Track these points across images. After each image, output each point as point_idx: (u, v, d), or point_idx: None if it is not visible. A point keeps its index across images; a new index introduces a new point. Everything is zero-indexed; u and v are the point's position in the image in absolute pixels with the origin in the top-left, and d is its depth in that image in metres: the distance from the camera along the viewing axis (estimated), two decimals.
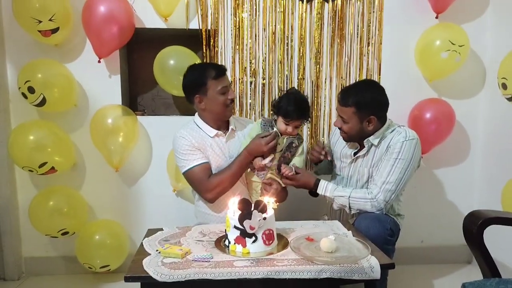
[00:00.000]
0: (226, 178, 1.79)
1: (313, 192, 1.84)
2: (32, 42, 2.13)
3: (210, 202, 1.84)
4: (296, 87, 2.27)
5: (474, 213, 1.37)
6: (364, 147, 1.80)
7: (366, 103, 1.70)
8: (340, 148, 1.93)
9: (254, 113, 2.31)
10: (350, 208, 1.75)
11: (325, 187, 1.78)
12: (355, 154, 1.84)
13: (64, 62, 2.17)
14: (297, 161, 1.84)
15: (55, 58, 2.15)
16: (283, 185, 1.85)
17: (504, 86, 1.89)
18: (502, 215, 1.40)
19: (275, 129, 1.78)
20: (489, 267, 1.32)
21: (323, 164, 2.06)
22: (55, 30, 2.00)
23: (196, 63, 1.99)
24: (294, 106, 1.75)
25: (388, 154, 1.72)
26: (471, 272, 2.33)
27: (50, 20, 1.96)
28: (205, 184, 1.79)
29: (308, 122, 1.91)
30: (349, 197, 1.73)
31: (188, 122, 1.91)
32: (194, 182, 1.82)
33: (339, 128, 1.81)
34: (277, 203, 1.77)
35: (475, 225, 1.30)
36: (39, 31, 1.98)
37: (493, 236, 1.89)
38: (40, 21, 1.95)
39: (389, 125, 1.79)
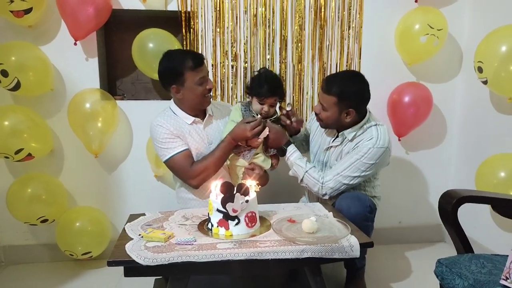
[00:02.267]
0: (210, 164, 1.78)
1: (282, 152, 1.87)
2: (4, 23, 2.04)
3: (194, 188, 1.84)
4: (275, 70, 2.27)
5: (449, 192, 1.42)
6: (339, 137, 1.83)
7: (348, 96, 1.71)
8: (320, 135, 1.95)
9: (236, 97, 2.30)
10: (302, 180, 1.81)
11: (292, 151, 1.84)
12: (331, 142, 1.86)
13: (39, 44, 2.09)
14: None
15: (29, 40, 2.06)
16: (266, 168, 1.88)
17: (480, 70, 1.93)
18: (475, 193, 1.45)
19: (259, 116, 1.79)
20: (463, 244, 1.37)
21: (297, 142, 2.07)
22: (28, 11, 1.92)
23: (173, 49, 1.90)
24: (265, 84, 1.79)
25: (354, 151, 1.74)
26: (446, 250, 2.42)
27: (22, 0, 1.88)
28: (188, 172, 1.78)
29: (282, 101, 1.93)
30: (306, 171, 1.79)
31: (164, 110, 1.88)
32: (177, 170, 1.81)
33: (316, 114, 1.82)
34: (259, 187, 1.83)
35: (450, 204, 1.35)
36: (11, 11, 1.90)
37: (467, 214, 1.97)
38: (11, 1, 1.87)
39: (367, 120, 1.79)
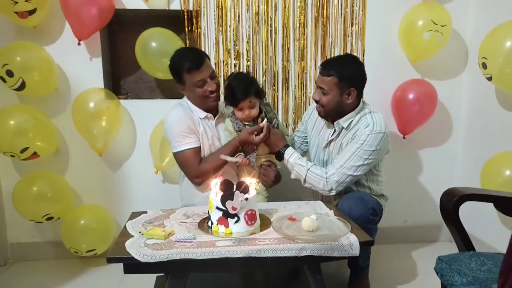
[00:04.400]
0: (217, 166, 1.80)
1: (280, 156, 1.83)
2: (9, 24, 2.07)
3: (197, 185, 1.85)
4: (277, 68, 2.26)
5: (450, 190, 1.40)
6: (335, 131, 1.81)
7: (349, 74, 1.71)
8: (317, 134, 1.93)
9: None
10: (305, 180, 1.76)
11: (291, 153, 1.80)
12: (330, 137, 1.84)
13: (43, 44, 2.12)
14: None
15: (34, 40, 2.09)
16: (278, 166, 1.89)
17: (484, 66, 1.90)
18: (476, 191, 1.43)
19: (265, 121, 1.77)
20: (464, 242, 1.36)
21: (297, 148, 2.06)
22: (32, 12, 1.95)
23: (182, 48, 1.94)
24: (233, 91, 1.74)
25: (353, 141, 1.73)
26: (451, 250, 2.38)
27: (26, 1, 1.90)
28: (195, 170, 1.80)
29: (261, 98, 1.82)
30: (308, 169, 1.74)
31: (179, 102, 1.90)
32: (184, 164, 1.83)
33: (316, 102, 1.79)
34: (270, 185, 1.85)
35: (451, 202, 1.34)
36: (16, 12, 1.92)
37: (472, 212, 1.95)
38: (16, 2, 1.89)
39: (361, 108, 1.78)
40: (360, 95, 1.78)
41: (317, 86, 1.78)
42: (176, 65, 1.79)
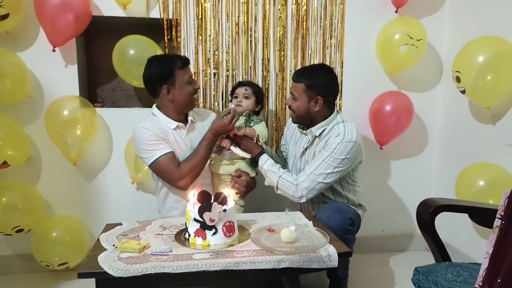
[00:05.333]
0: (197, 163, 1.80)
1: (255, 162, 1.89)
2: None
3: (183, 190, 1.81)
4: (258, 78, 2.29)
5: (426, 201, 1.42)
6: (308, 136, 1.86)
7: (316, 83, 1.78)
8: (294, 144, 1.97)
9: (218, 105, 2.29)
10: (277, 187, 1.81)
11: (265, 160, 1.84)
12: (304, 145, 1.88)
13: (16, 50, 2.05)
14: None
15: (6, 46, 2.02)
16: (252, 175, 1.93)
17: (458, 80, 1.96)
18: (451, 202, 1.46)
19: (231, 105, 1.89)
20: (440, 252, 1.37)
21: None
22: (4, 16, 1.89)
23: (157, 54, 1.96)
24: (237, 83, 2.05)
25: (324, 149, 1.77)
26: (429, 259, 2.42)
27: None
28: (176, 173, 1.77)
29: (258, 98, 1.99)
30: (279, 176, 1.79)
31: (146, 115, 1.88)
32: (163, 172, 1.80)
33: (289, 108, 1.87)
34: (242, 195, 1.87)
35: (427, 213, 1.35)
36: None
37: (448, 222, 1.98)
38: None
39: (334, 117, 1.83)
40: (330, 104, 1.83)
41: (290, 92, 1.86)
42: (167, 65, 1.79)
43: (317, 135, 1.81)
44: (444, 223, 1.45)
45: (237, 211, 1.79)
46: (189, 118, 1.91)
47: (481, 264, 1.01)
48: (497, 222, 0.95)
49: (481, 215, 1.40)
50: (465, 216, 2.08)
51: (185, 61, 1.84)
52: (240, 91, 1.95)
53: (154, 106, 1.89)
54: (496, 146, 2.01)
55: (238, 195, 1.86)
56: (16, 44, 2.06)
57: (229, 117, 1.79)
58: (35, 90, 2.11)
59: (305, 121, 1.85)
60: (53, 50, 2.02)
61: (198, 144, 1.84)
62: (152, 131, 1.78)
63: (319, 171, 1.72)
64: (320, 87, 1.77)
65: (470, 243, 2.17)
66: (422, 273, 1.26)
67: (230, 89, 2.21)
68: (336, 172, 1.73)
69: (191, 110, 1.92)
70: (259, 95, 2.00)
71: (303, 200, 1.76)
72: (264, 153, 1.86)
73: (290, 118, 2.01)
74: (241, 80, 2.26)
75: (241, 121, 1.91)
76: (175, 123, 1.85)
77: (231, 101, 2.03)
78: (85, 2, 2.02)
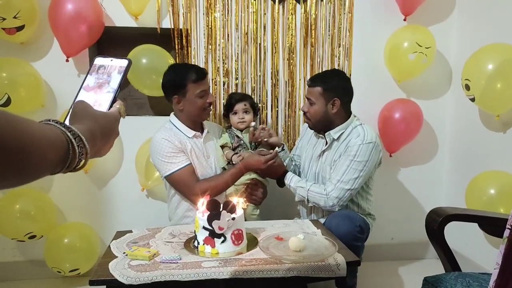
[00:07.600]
0: (217, 186, 1.81)
1: (280, 182, 1.93)
2: None
3: (194, 203, 1.82)
4: (267, 87, 2.32)
5: (435, 210, 1.42)
6: (327, 142, 1.87)
7: (332, 85, 1.82)
8: (311, 148, 1.98)
9: None
10: (308, 200, 1.84)
11: (291, 178, 1.88)
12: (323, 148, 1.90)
13: (31, 60, 2.10)
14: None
15: (21, 56, 2.08)
16: (266, 184, 1.97)
17: (467, 87, 1.95)
18: (460, 212, 1.45)
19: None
20: (450, 261, 1.36)
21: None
22: (20, 28, 1.94)
23: (178, 63, 2.02)
24: (231, 97, 2.04)
25: (345, 154, 1.79)
26: (438, 268, 2.40)
27: (14, 17, 1.90)
28: (194, 188, 1.78)
29: (255, 110, 2.05)
30: (308, 189, 1.82)
31: (164, 124, 1.91)
32: (180, 184, 1.81)
33: (304, 114, 1.89)
34: (258, 203, 1.92)
35: (436, 222, 1.34)
36: (3, 28, 1.92)
37: (458, 231, 1.96)
38: (4, 19, 1.89)
39: (352, 121, 1.87)
40: (346, 106, 1.87)
41: (306, 98, 1.88)
42: (181, 76, 1.81)
43: (335, 138, 1.84)
44: (454, 231, 1.44)
45: (254, 220, 1.87)
46: (205, 129, 1.94)
47: (491, 274, 1.01)
48: (507, 233, 0.95)
49: (490, 225, 1.39)
50: (475, 224, 2.07)
51: (200, 75, 1.83)
52: (240, 107, 1.96)
53: (172, 114, 1.93)
54: (506, 154, 1.99)
55: (254, 204, 1.92)
56: (31, 55, 2.11)
57: (268, 157, 1.79)
58: (48, 99, 2.15)
59: (323, 126, 1.87)
60: (67, 60, 2.06)
61: (227, 169, 1.87)
62: (172, 142, 1.80)
63: (345, 178, 1.75)
64: (336, 88, 1.82)
65: (481, 252, 2.15)
66: (431, 283, 1.25)
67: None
68: (362, 176, 1.76)
69: (202, 120, 1.94)
70: (255, 106, 2.05)
71: (336, 208, 1.79)
72: (287, 171, 1.90)
73: (306, 124, 2.02)
74: (249, 89, 2.29)
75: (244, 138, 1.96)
76: (193, 132, 1.88)
77: (227, 115, 2.03)
78: (98, 13, 2.06)
